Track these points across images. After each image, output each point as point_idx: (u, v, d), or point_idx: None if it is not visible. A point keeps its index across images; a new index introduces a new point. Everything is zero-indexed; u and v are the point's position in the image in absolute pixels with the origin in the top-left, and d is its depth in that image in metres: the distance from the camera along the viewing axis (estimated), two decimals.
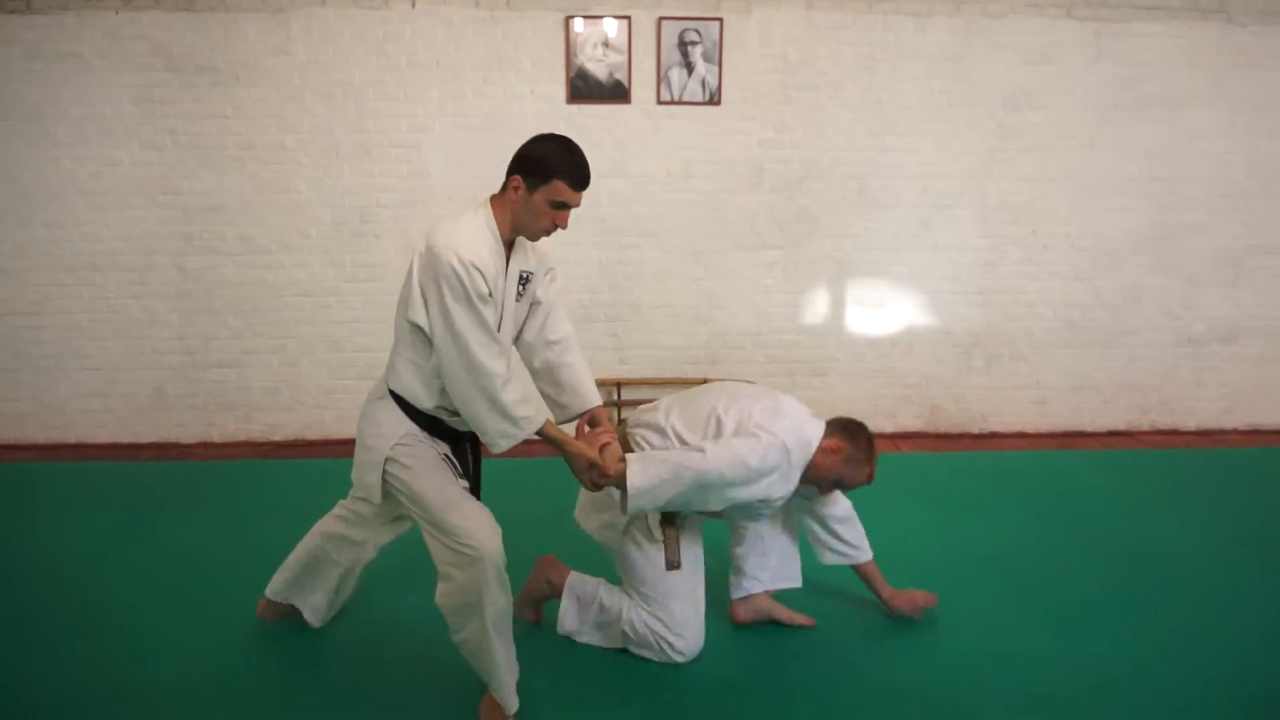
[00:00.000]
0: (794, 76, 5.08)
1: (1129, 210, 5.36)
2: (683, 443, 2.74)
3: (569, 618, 3.03)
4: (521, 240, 2.60)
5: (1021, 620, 3.19)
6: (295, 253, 5.11)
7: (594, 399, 2.80)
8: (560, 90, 5.02)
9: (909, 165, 5.22)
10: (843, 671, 2.89)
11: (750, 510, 2.88)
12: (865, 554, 3.14)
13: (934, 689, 2.78)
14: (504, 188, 2.49)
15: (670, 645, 2.86)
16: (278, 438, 5.29)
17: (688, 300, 5.28)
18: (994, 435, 5.53)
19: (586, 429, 2.74)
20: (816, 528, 3.09)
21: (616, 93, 5.02)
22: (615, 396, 5.23)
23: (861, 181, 5.22)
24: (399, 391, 2.59)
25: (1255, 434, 5.58)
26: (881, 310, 5.37)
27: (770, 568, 3.16)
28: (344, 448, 5.06)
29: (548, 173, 2.42)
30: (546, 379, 2.79)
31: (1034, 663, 2.92)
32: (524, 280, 2.62)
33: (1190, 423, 5.62)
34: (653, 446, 2.78)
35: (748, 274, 5.28)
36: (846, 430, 2.85)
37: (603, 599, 2.97)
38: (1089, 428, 5.59)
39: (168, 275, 5.10)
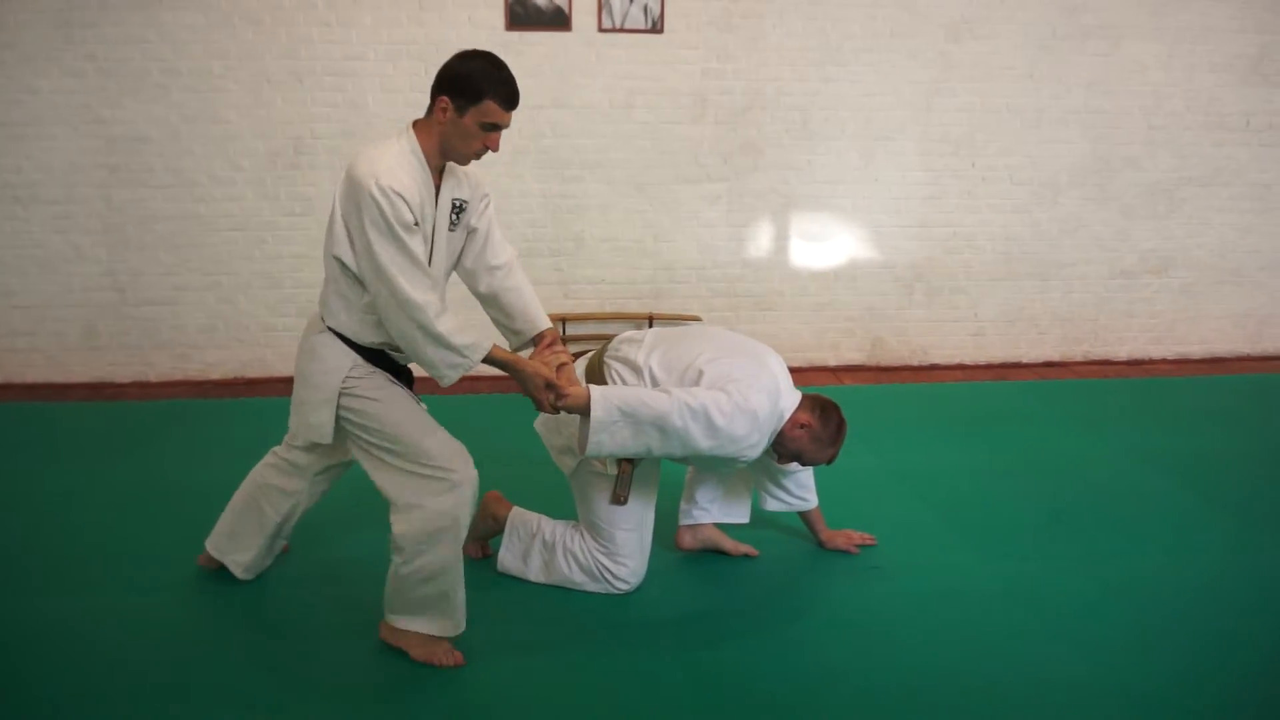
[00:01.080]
0: (737, 4, 5.01)
1: (1067, 142, 5.41)
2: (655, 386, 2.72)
3: (509, 554, 3.03)
4: (453, 167, 2.49)
5: (959, 541, 3.29)
6: (227, 185, 4.96)
7: (543, 321, 2.73)
8: (499, 16, 4.89)
9: (852, 96, 5.20)
10: (784, 598, 2.95)
11: (714, 465, 2.89)
12: (811, 502, 3.17)
13: (879, 613, 2.86)
14: (430, 110, 2.37)
15: (612, 574, 2.89)
16: (216, 376, 5.19)
17: (632, 233, 5.25)
18: (934, 367, 5.62)
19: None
20: (763, 475, 3.11)
21: (556, 19, 4.90)
22: (560, 332, 5.20)
23: (805, 113, 5.19)
24: (337, 329, 2.50)
25: (1182, 363, 5.75)
26: (824, 244, 5.39)
27: (720, 500, 3.20)
28: (287, 386, 4.98)
29: (478, 93, 2.29)
30: (493, 305, 2.72)
31: (963, 573, 3.04)
32: (458, 209, 2.53)
33: (1121, 353, 5.77)
34: (625, 384, 2.75)
35: (692, 207, 5.25)
36: (821, 409, 2.81)
37: (544, 533, 2.98)
38: (1025, 359, 5.71)
39: (94, 208, 4.92)
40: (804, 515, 3.23)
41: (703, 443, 2.57)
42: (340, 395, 2.49)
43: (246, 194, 4.98)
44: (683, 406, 2.53)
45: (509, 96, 2.34)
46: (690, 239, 5.29)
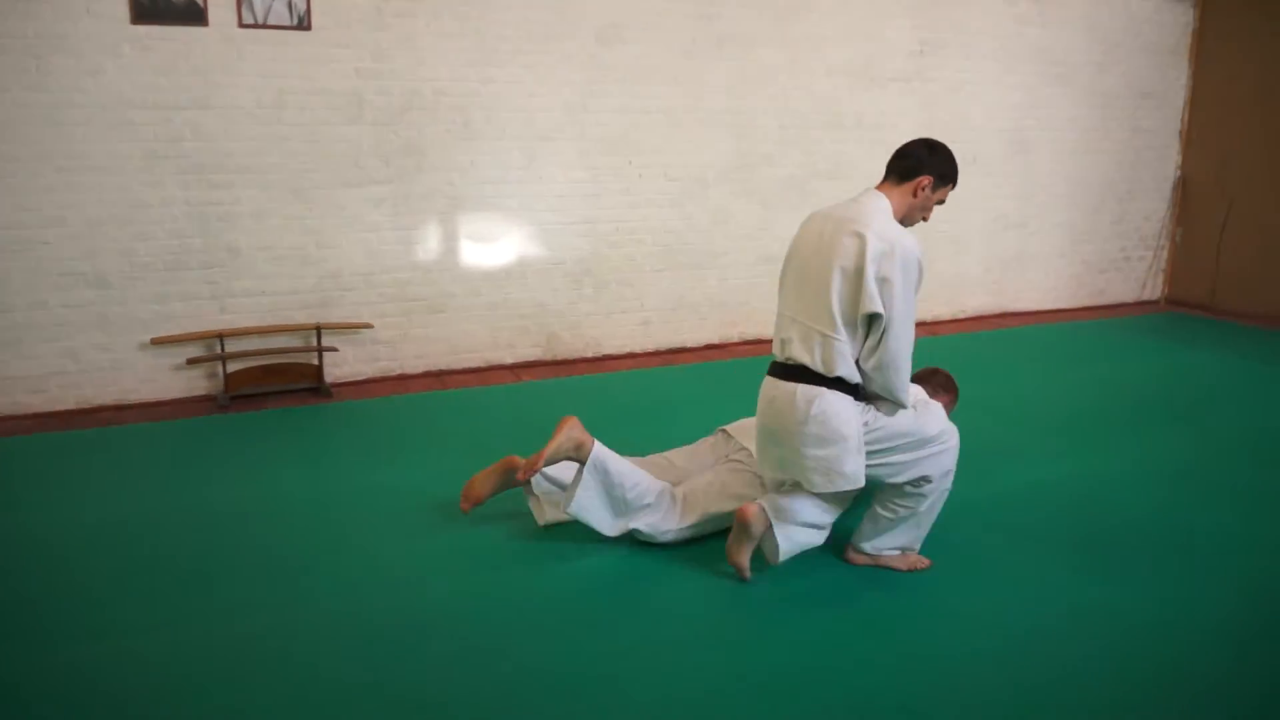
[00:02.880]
0: (389, 2, 4.90)
1: (712, 141, 5.83)
2: None
3: (590, 501, 3.10)
4: None
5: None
6: None
7: None
8: (123, 8, 4.44)
9: (510, 97, 5.26)
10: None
11: None
12: None
13: (540, 603, 2.94)
14: (902, 182, 2.85)
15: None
16: None
17: (292, 241, 4.99)
18: (608, 358, 5.85)
19: None
20: None
21: (190, 13, 4.54)
22: (219, 349, 4.85)
23: (465, 113, 5.19)
24: (847, 375, 2.79)
25: None
26: (494, 243, 5.43)
27: None
28: None
29: (952, 178, 2.88)
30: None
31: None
32: None
33: (770, 332, 6.28)
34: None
35: (355, 211, 5.08)
36: (936, 382, 3.47)
37: (636, 503, 3.15)
38: (689, 344, 6.09)
39: None
40: None
41: None
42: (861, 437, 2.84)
43: None
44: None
45: (957, 182, 2.93)
46: (356, 244, 5.12)
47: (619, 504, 3.14)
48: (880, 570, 3.11)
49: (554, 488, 3.33)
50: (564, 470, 3.27)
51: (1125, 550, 3.26)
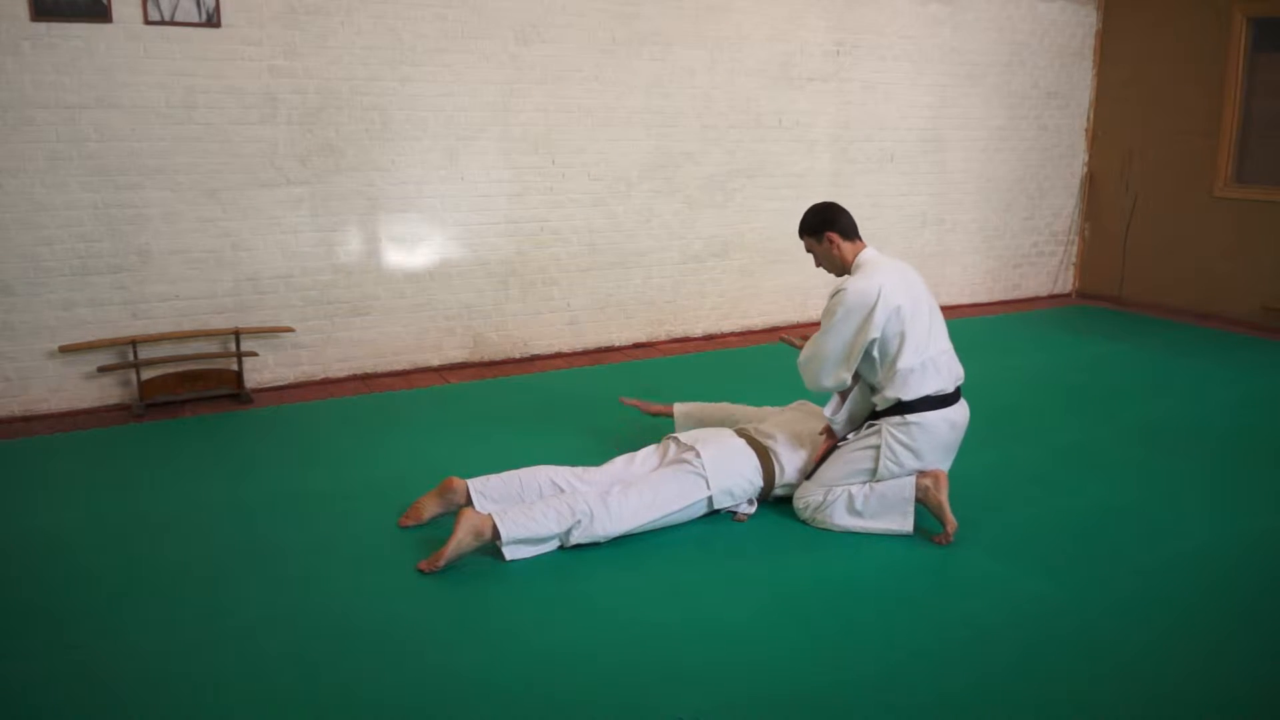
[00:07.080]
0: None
1: (634, 140, 5.84)
2: None
3: (524, 551, 3.10)
4: None
5: None
6: None
7: None
8: (20, 4, 4.28)
9: (429, 96, 5.21)
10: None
11: None
12: None
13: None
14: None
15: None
16: None
17: (206, 244, 4.85)
18: (535, 358, 5.81)
19: None
20: None
21: (94, 10, 4.40)
22: (132, 356, 4.69)
23: (384, 113, 5.12)
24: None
25: (747, 334, 6.46)
26: (417, 244, 5.36)
27: None
28: None
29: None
30: None
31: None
32: None
33: (698, 329, 6.34)
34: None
35: (273, 212, 4.97)
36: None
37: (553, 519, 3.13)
38: (616, 342, 6.08)
39: None
40: None
41: None
42: None
43: None
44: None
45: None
46: (274, 246, 5.00)
47: (549, 540, 3.14)
48: (812, 568, 3.15)
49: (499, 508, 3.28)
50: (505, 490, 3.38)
51: (1040, 536, 3.35)
